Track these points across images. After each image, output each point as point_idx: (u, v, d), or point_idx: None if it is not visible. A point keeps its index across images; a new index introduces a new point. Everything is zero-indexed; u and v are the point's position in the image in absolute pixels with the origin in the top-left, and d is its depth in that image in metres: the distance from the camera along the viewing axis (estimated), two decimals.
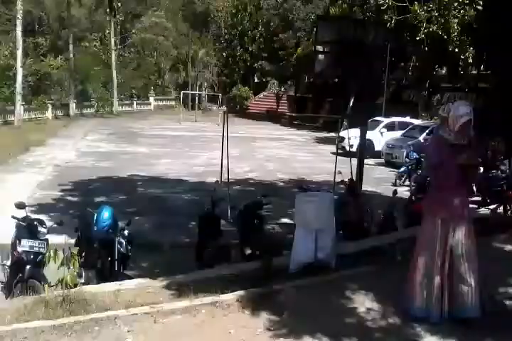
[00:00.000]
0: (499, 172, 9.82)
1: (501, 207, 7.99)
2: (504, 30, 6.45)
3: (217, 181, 8.90)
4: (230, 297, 4.41)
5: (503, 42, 6.62)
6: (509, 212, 7.33)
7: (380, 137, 18.91)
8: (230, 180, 9.39)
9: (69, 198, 10.40)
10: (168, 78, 41.35)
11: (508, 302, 4.15)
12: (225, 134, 8.98)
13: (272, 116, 34.81)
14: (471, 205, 8.60)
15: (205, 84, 41.34)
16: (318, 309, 4.21)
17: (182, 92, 36.46)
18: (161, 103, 39.12)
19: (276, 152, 18.57)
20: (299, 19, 35.08)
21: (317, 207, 5.36)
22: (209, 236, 6.40)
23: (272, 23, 37.82)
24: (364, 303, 4.26)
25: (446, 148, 3.86)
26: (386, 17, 17.97)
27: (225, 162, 9.11)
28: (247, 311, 4.23)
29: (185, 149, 18.35)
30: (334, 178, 8.91)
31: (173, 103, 39.28)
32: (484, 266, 4.45)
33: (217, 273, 5.27)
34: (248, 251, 6.37)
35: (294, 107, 36.63)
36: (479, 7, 7.79)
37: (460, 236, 3.83)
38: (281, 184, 12.56)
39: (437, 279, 3.80)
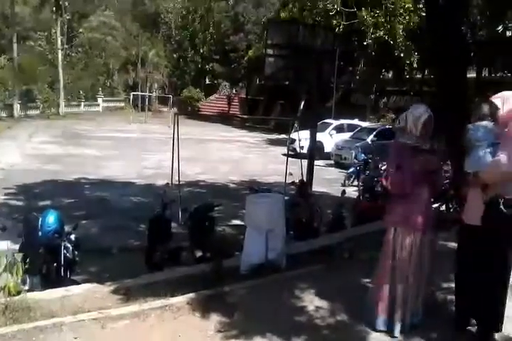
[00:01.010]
0: (443, 172, 10.21)
1: (444, 206, 8.31)
2: (440, 41, 6.73)
3: (167, 183, 8.82)
4: (180, 300, 4.37)
5: (439, 52, 6.90)
6: (451, 210, 7.62)
7: (329, 139, 19.28)
8: (181, 183, 9.31)
9: (13, 202, 10.02)
10: (117, 79, 40.60)
11: (449, 297, 4.30)
12: (176, 136, 8.92)
13: (223, 118, 34.80)
14: None
15: (156, 86, 40.92)
16: (269, 309, 4.24)
17: (132, 94, 35.91)
18: (109, 104, 38.33)
19: (227, 154, 18.59)
20: (250, 22, 35.28)
21: (268, 208, 5.41)
22: (159, 239, 6.32)
23: (223, 26, 37.86)
24: (313, 302, 4.33)
25: (407, 152, 3.71)
26: (335, 22, 18.52)
27: (175, 164, 9.04)
28: (197, 314, 4.21)
29: (135, 151, 18.06)
30: (285, 179, 9.02)
31: (122, 104, 38.58)
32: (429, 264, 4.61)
33: (167, 277, 5.21)
34: (199, 254, 6.34)
35: (245, 109, 36.80)
36: (423, 14, 8.12)
37: (423, 245, 3.74)
38: (233, 186, 12.57)
39: (400, 290, 3.72)
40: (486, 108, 3.62)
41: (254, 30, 34.65)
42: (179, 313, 4.20)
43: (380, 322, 3.77)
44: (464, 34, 9.78)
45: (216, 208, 7.07)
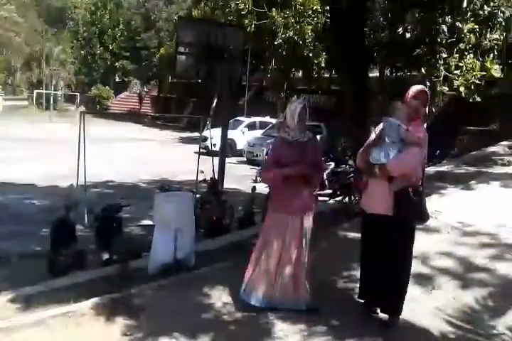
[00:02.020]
0: (347, 166, 10.68)
1: (347, 198, 8.68)
2: (343, 41, 7.03)
3: (71, 185, 8.45)
4: (84, 305, 4.22)
5: (343, 52, 7.20)
6: (353, 202, 7.98)
7: (241, 136, 19.44)
8: (88, 183, 8.96)
9: None
10: (19, 77, 38.35)
11: (350, 285, 4.50)
12: (82, 135, 8.56)
13: (134, 117, 34.00)
14: (323, 198, 9.29)
15: (62, 83, 39.10)
16: (176, 308, 4.21)
17: (35, 92, 34.08)
18: (11, 103, 36.13)
19: (138, 153, 18.15)
20: (161, 19, 34.68)
21: (176, 206, 5.36)
22: (63, 243, 6.05)
23: (133, 22, 36.91)
24: (221, 298, 4.35)
25: (286, 146, 3.96)
26: (246, 21, 18.58)
27: (82, 164, 8.68)
28: (102, 318, 4.08)
29: (38, 152, 17.10)
30: (197, 177, 8.98)
31: (25, 103, 36.51)
32: (326, 253, 4.81)
33: (72, 282, 5.00)
34: (106, 256, 6.14)
35: (157, 107, 36.21)
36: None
37: (298, 233, 3.96)
38: (143, 185, 12.31)
39: (273, 273, 3.99)
40: (399, 106, 3.77)
41: (165, 28, 34.11)
42: (83, 319, 4.06)
43: (255, 299, 4.04)
44: (366, 35, 10.24)
45: (124, 208, 6.89)
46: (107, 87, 38.53)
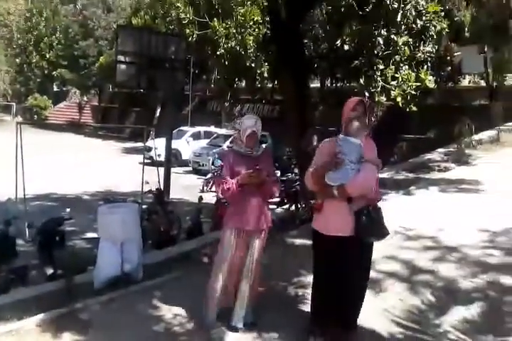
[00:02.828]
0: (293, 175, 10.86)
1: (293, 206, 8.81)
2: (284, 52, 7.18)
3: (9, 199, 8.10)
4: (28, 322, 4.06)
5: (283, 63, 7.35)
6: (300, 209, 8.11)
7: (186, 146, 19.36)
8: (28, 196, 8.63)
9: None
10: None
11: (293, 292, 4.55)
12: (20, 147, 8.23)
13: (74, 127, 33.06)
14: (271, 206, 9.38)
15: None
16: (125, 322, 4.12)
17: None
18: None
19: (80, 164, 17.64)
20: (100, 27, 34.01)
21: (122, 218, 5.24)
22: (3, 259, 5.79)
23: (71, 30, 35.94)
24: (171, 310, 4.30)
25: (238, 160, 3.91)
26: (188, 31, 18.60)
27: (20, 177, 8.34)
28: (48, 335, 3.95)
29: None
30: (142, 188, 8.83)
31: None
32: (274, 261, 4.84)
33: (14, 299, 4.79)
34: (50, 271, 5.92)
35: (98, 117, 35.38)
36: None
37: (255, 248, 3.93)
38: (87, 197, 11.98)
39: (232, 289, 3.97)
40: (356, 124, 3.53)
41: (105, 36, 33.47)
42: (28, 337, 3.91)
43: (211, 319, 3.98)
44: (307, 46, 10.50)
45: (67, 222, 6.68)
46: (44, 96, 37.25)
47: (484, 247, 5.60)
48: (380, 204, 7.30)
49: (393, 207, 7.31)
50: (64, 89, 39.41)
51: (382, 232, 3.60)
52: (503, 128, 13.00)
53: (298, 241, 5.73)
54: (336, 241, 3.49)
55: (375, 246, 5.16)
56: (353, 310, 3.71)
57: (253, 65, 24.18)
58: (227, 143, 18.33)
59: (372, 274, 4.83)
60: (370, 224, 3.46)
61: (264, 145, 4.09)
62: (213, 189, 13.29)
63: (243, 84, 27.34)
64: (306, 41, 10.70)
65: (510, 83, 16.31)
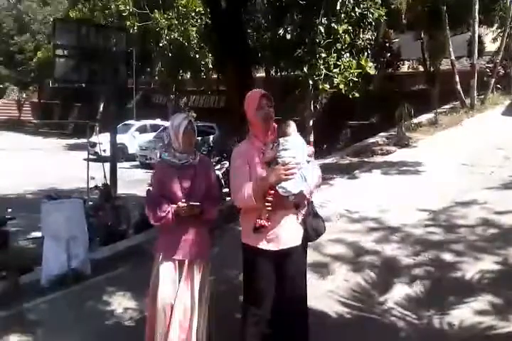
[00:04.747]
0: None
1: None
2: (225, 42, 7.16)
3: None
4: None
5: (225, 52, 7.34)
6: None
7: (133, 140, 19.05)
8: None
9: None
10: None
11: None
12: None
13: (13, 125, 31.80)
14: None
15: None
16: (76, 319, 4.06)
17: None
18: None
19: (22, 163, 17.02)
20: (36, 21, 32.68)
21: (66, 215, 5.16)
22: None
23: (5, 25, 34.35)
24: (121, 304, 4.27)
25: (171, 173, 3.17)
26: (129, 23, 18.14)
27: None
28: None
29: None
30: (87, 184, 8.64)
31: None
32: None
33: None
34: None
35: (39, 114, 34.19)
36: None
37: (197, 279, 3.21)
38: (30, 196, 11.59)
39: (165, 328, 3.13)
40: (293, 125, 3.05)
41: (42, 30, 32.20)
42: None
43: None
44: (250, 36, 10.52)
45: (9, 222, 6.45)
46: None
47: (425, 226, 5.85)
48: (326, 188, 7.43)
49: (339, 191, 7.53)
50: (1, 86, 37.74)
51: (324, 227, 3.20)
52: (440, 110, 13.52)
53: None
54: (285, 254, 3.00)
55: None
56: (304, 322, 3.17)
57: (197, 56, 24.06)
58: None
59: (319, 257, 4.98)
60: (315, 228, 3.10)
61: (201, 154, 3.37)
62: None
63: (188, 75, 27.09)
64: (249, 31, 10.72)
65: (446, 67, 16.91)
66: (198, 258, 3.22)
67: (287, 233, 2.99)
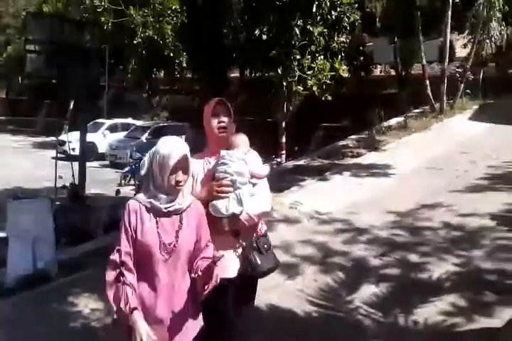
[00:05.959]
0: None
1: None
2: (199, 42, 7.16)
3: None
4: None
5: (199, 52, 7.33)
6: None
7: (103, 139, 18.80)
8: None
9: None
10: None
11: None
12: None
13: None
14: None
15: None
16: (40, 320, 3.98)
17: None
18: None
19: None
20: (8, 15, 31.97)
21: (33, 214, 5.07)
22: None
23: None
24: (88, 305, 4.20)
25: (150, 221, 2.24)
26: (103, 19, 18.03)
27: None
28: None
29: None
30: (55, 184, 8.50)
31: None
32: None
33: None
34: None
35: (6, 111, 33.43)
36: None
37: None
38: None
39: None
40: (244, 139, 2.73)
41: (13, 24, 31.48)
42: None
43: None
44: (225, 36, 10.50)
45: None
46: None
47: (392, 227, 5.96)
48: (296, 189, 7.42)
49: (309, 193, 7.59)
50: None
51: (273, 267, 2.68)
52: (410, 114, 13.75)
53: None
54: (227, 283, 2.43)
55: (290, 232, 5.31)
56: None
57: (171, 54, 23.92)
58: (146, 135, 17.97)
59: (288, 258, 5.02)
60: (262, 261, 2.59)
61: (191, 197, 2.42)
62: (131, 182, 13.03)
63: (162, 74, 26.87)
64: (225, 31, 10.72)
65: (417, 72, 17.21)
66: (173, 322, 2.28)
67: (222, 262, 2.23)
